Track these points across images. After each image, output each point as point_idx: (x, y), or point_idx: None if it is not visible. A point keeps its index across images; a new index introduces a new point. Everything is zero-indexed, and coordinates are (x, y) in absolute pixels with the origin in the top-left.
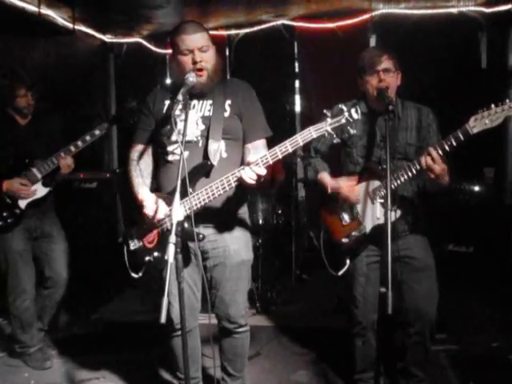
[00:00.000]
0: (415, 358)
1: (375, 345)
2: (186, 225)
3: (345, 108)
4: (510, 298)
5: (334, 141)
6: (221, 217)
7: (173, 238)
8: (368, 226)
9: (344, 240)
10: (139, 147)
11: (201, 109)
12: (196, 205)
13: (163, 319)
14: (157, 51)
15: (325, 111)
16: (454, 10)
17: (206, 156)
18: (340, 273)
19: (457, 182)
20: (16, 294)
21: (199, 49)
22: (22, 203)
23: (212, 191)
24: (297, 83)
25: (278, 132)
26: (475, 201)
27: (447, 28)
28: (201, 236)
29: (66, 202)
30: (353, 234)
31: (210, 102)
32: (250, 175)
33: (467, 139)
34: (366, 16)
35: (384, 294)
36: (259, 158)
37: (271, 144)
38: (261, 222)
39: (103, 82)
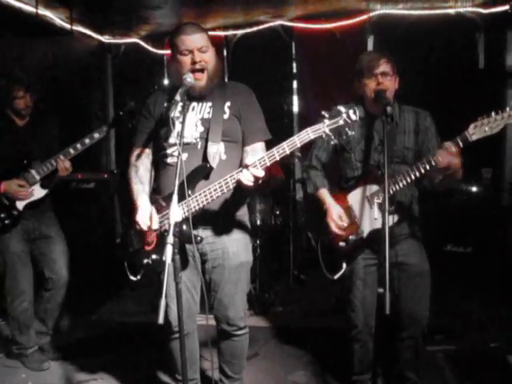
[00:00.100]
0: (408, 361)
1: (372, 348)
2: (184, 227)
3: (343, 109)
4: (508, 298)
5: (332, 142)
6: (219, 219)
7: (170, 239)
8: (366, 229)
9: (341, 244)
10: (139, 150)
11: (200, 111)
12: (195, 207)
13: (161, 320)
14: (154, 52)
15: (323, 113)
16: (451, 11)
17: (205, 158)
18: (336, 276)
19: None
20: (14, 296)
21: (199, 49)
22: (20, 204)
23: (210, 193)
24: (295, 84)
25: (276, 133)
26: (473, 201)
27: (445, 29)
28: (199, 238)
29: (64, 203)
30: (350, 238)
31: (209, 104)
32: (248, 177)
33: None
34: (363, 17)
35: (382, 294)
36: (257, 160)
37: (269, 145)
38: (259, 222)
39: (101, 82)
